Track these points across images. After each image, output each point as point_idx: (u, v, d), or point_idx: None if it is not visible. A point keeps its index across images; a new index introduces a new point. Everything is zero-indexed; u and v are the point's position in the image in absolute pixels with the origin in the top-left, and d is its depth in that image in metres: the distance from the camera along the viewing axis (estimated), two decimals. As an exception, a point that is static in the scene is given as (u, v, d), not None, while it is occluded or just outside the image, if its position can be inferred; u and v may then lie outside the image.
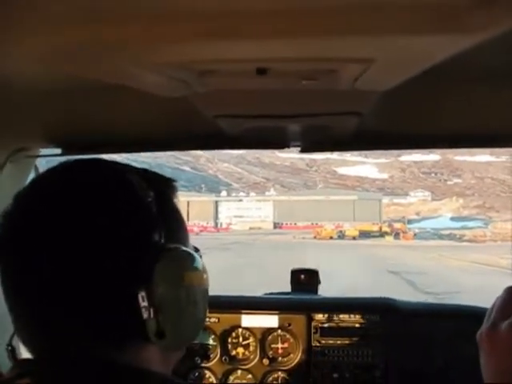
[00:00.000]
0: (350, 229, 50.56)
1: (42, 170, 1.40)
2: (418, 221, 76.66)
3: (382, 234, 50.78)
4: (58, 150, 1.26)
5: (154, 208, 0.58)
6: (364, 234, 49.39)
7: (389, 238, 48.04)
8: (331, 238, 46.19)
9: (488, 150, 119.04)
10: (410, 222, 64.46)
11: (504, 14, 0.43)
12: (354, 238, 46.58)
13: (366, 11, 0.43)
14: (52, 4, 0.44)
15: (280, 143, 1.25)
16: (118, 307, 0.55)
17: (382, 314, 1.56)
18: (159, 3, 0.43)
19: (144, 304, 0.54)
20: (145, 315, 0.54)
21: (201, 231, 52.13)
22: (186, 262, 0.59)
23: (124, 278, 0.55)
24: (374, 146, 1.23)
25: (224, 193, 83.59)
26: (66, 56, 0.57)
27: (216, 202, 71.53)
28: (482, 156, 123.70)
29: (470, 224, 71.32)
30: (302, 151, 1.26)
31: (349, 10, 0.43)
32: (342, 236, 47.69)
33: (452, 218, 79.80)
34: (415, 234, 50.99)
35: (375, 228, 53.45)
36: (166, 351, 0.60)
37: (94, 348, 0.55)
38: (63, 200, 0.56)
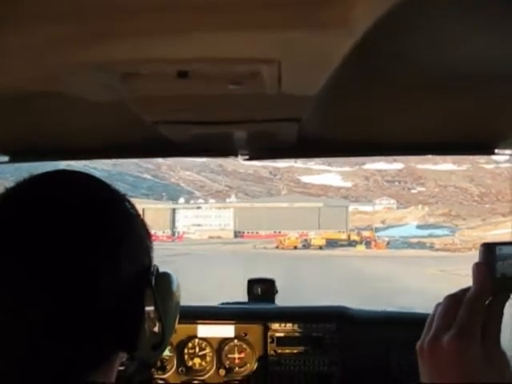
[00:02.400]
0: (316, 237, 47.01)
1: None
2: (384, 229, 74.27)
3: (351, 243, 47.45)
4: (5, 158, 1.24)
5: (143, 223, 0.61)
6: (331, 243, 45.91)
7: (360, 248, 44.73)
8: (295, 247, 42.61)
9: (450, 159, 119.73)
10: (376, 230, 61.58)
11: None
12: (320, 248, 43.00)
13: (253, 8, 0.43)
14: None
15: (227, 151, 1.23)
16: (110, 319, 0.53)
17: (337, 322, 1.58)
18: (75, 1, 0.41)
19: (150, 317, 0.56)
20: (150, 328, 0.56)
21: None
22: (174, 281, 0.62)
23: (124, 294, 0.54)
24: (319, 152, 1.23)
25: (182, 200, 78.62)
26: None
27: (173, 210, 66.77)
28: (444, 165, 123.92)
29: (437, 232, 69.50)
30: (250, 159, 1.24)
31: (244, 7, 0.43)
32: (307, 245, 44.15)
33: (418, 226, 78.05)
34: (388, 243, 47.83)
35: (343, 236, 50.28)
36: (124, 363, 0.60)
37: (58, 359, 0.51)
38: (56, 219, 0.53)
